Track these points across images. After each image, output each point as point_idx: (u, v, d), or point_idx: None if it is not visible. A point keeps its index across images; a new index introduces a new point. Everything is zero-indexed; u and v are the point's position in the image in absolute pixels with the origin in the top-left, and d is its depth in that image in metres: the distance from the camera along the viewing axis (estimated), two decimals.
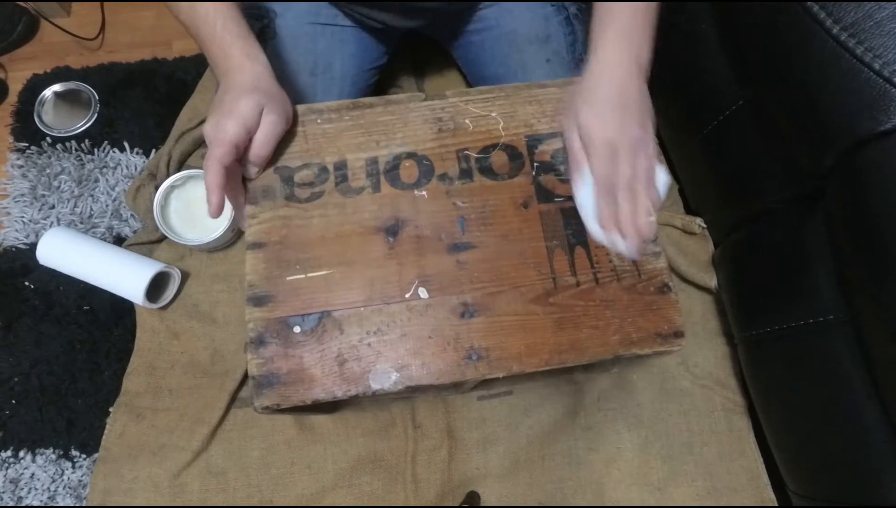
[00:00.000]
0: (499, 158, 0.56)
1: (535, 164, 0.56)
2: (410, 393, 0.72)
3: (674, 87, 0.85)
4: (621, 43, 0.52)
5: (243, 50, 0.53)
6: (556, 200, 0.55)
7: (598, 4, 0.54)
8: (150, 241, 0.90)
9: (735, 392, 0.84)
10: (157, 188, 0.87)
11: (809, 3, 0.53)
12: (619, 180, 0.49)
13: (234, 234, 0.89)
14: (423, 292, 0.50)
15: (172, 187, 0.87)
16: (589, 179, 0.50)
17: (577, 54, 0.73)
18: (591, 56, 0.52)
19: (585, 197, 0.51)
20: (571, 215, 0.53)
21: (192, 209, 0.88)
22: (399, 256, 0.51)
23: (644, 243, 0.52)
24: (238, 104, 0.50)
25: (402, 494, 0.78)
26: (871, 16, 0.49)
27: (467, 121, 0.56)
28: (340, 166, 0.54)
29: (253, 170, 0.55)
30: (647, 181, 0.50)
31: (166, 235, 0.85)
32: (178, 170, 0.91)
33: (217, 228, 0.84)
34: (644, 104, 0.52)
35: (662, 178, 0.51)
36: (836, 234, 0.59)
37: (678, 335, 0.51)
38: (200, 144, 0.97)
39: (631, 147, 0.49)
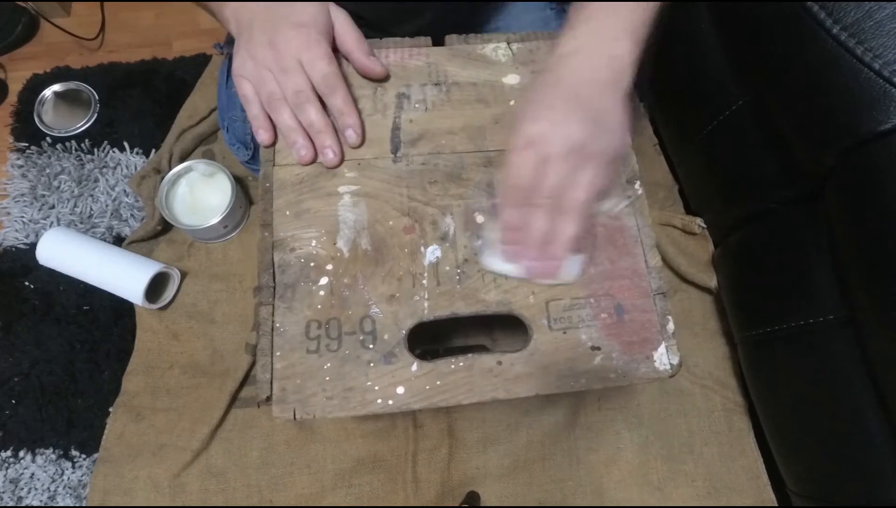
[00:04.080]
0: None
1: None
2: None
3: (674, 87, 0.86)
4: (592, 33, 0.44)
5: None
6: None
7: None
8: (149, 237, 0.90)
9: (735, 392, 0.84)
10: (161, 180, 0.87)
11: (809, 3, 0.53)
12: (542, 191, 0.41)
13: (230, 228, 0.89)
14: None
15: (180, 176, 0.88)
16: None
17: None
18: (553, 49, 0.45)
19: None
20: None
21: (197, 196, 0.88)
22: None
23: (550, 272, 0.44)
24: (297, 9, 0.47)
25: (402, 494, 0.78)
26: (871, 16, 0.49)
27: None
28: None
29: (375, 60, 0.51)
30: (584, 200, 0.41)
31: (166, 218, 0.85)
32: None
33: (214, 217, 0.84)
34: (609, 107, 0.43)
35: (573, 269, 0.45)
36: (836, 234, 0.59)
37: None
38: (201, 141, 0.97)
39: (568, 152, 0.40)
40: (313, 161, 0.50)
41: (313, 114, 0.49)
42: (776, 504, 0.79)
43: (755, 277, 0.76)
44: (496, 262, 0.47)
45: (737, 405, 0.84)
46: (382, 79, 0.53)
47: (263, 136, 0.50)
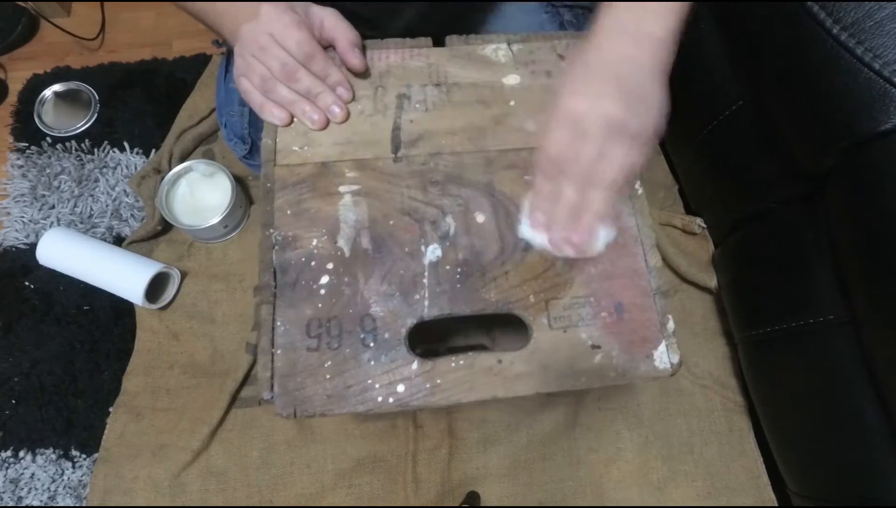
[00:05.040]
0: None
1: None
2: None
3: (673, 87, 0.85)
4: (633, 9, 0.43)
5: None
6: None
7: None
8: (149, 237, 0.90)
9: (735, 392, 0.84)
10: (161, 180, 0.87)
11: (809, 3, 0.53)
12: (575, 164, 0.41)
13: (230, 228, 0.89)
14: None
15: (180, 176, 0.88)
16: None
17: None
18: (594, 25, 0.44)
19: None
20: None
21: (197, 196, 0.88)
22: None
23: (579, 246, 0.44)
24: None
25: (402, 494, 0.78)
26: (871, 16, 0.50)
27: None
28: None
29: (358, 54, 0.52)
30: (615, 177, 0.41)
31: (166, 218, 0.85)
32: None
33: (214, 217, 0.84)
34: (649, 87, 0.42)
35: (601, 240, 0.44)
36: (836, 234, 0.59)
37: None
38: (201, 141, 0.97)
39: (607, 127, 0.40)
40: (327, 122, 0.52)
41: (306, 80, 0.51)
42: (776, 504, 0.79)
43: (755, 277, 0.76)
44: (527, 230, 0.47)
45: (737, 405, 0.84)
46: (360, 73, 0.54)
47: (278, 114, 0.51)
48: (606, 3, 0.44)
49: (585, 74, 0.42)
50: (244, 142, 0.78)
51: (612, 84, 0.41)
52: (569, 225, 0.43)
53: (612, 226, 0.45)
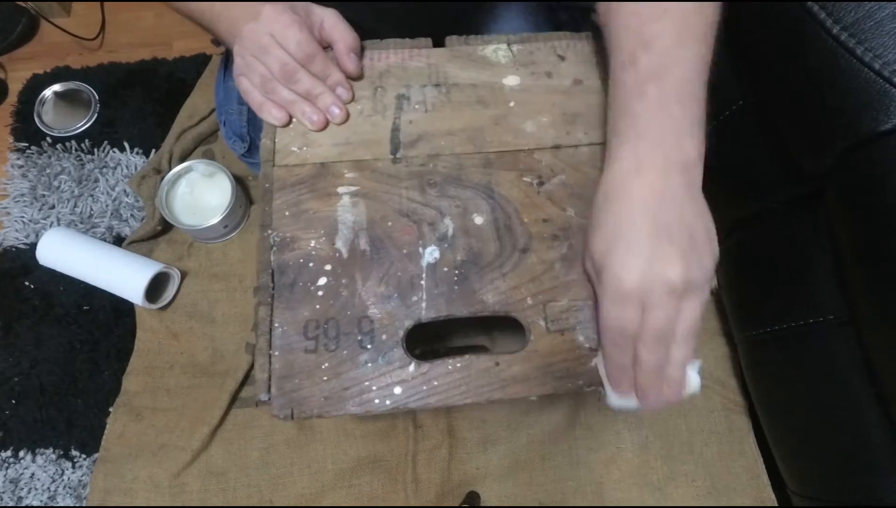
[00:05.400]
0: None
1: None
2: None
3: None
4: (654, 140, 0.38)
5: None
6: None
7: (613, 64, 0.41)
8: (149, 237, 0.90)
9: (735, 392, 0.84)
10: (161, 180, 0.87)
11: (809, 3, 0.52)
12: (648, 331, 0.37)
13: (230, 228, 0.89)
14: None
15: (180, 176, 0.88)
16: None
17: None
18: (606, 158, 0.40)
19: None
20: None
21: (197, 196, 0.88)
22: None
23: (676, 400, 0.40)
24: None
25: (402, 494, 0.78)
26: (872, 16, 0.49)
27: None
28: None
29: (354, 59, 0.52)
30: (692, 327, 0.37)
31: (166, 218, 0.85)
32: None
33: (214, 217, 0.84)
34: (697, 225, 0.37)
35: (694, 380, 0.40)
36: (836, 234, 0.59)
37: None
38: (201, 141, 0.97)
39: (672, 293, 0.36)
40: (326, 122, 0.52)
41: (306, 81, 0.51)
42: (776, 504, 0.79)
43: (755, 277, 0.76)
44: (616, 400, 0.42)
45: (737, 405, 0.84)
46: (355, 78, 0.54)
47: (276, 114, 0.51)
48: (615, 133, 0.40)
49: (627, 233, 0.37)
50: (243, 140, 0.79)
51: (663, 240, 0.36)
52: (658, 385, 0.39)
53: (696, 359, 0.41)
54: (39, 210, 0.94)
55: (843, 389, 0.62)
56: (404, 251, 0.48)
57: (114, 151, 0.98)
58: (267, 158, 0.51)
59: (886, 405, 0.56)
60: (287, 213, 0.49)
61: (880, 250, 0.52)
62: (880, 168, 0.51)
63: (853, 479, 0.62)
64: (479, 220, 0.49)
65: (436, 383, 0.44)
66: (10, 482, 0.80)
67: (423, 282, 0.47)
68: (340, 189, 0.50)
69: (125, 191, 0.95)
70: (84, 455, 0.82)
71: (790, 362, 0.69)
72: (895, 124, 0.49)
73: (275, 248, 0.47)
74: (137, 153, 0.98)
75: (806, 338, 0.66)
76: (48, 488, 0.80)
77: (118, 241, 0.92)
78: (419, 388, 0.44)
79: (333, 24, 0.52)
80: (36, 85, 1.03)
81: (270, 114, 0.51)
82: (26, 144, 0.99)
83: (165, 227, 0.91)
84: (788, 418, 0.72)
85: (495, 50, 0.56)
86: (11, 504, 0.79)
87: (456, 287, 0.47)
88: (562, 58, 0.56)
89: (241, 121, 0.77)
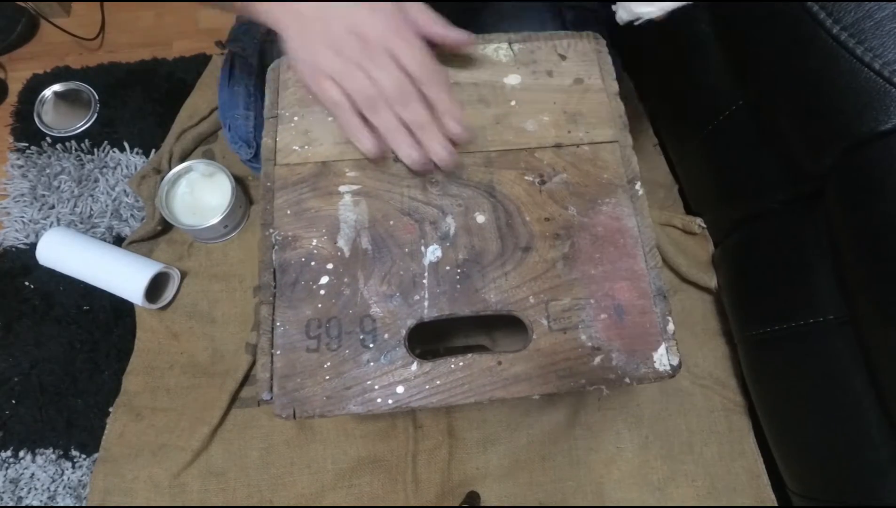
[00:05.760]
0: None
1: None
2: None
3: (674, 87, 0.86)
4: None
5: None
6: None
7: None
8: (149, 237, 0.90)
9: (735, 392, 0.84)
10: (161, 180, 0.87)
11: (809, 3, 0.52)
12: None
13: (230, 228, 0.89)
14: None
15: (180, 176, 0.88)
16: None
17: None
18: None
19: None
20: None
21: (197, 196, 0.88)
22: None
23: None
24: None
25: (402, 494, 0.78)
26: (871, 16, 0.49)
27: None
28: None
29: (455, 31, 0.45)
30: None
31: (166, 218, 0.85)
32: None
33: (214, 217, 0.84)
34: None
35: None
36: (836, 234, 0.59)
37: None
38: (201, 141, 0.97)
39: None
40: (426, 162, 0.47)
41: (420, 111, 0.43)
42: (776, 504, 0.79)
43: (755, 277, 0.76)
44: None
45: (737, 405, 0.84)
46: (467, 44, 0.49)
47: (368, 144, 0.46)
48: None
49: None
50: (249, 145, 0.78)
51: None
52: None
53: None
54: (39, 210, 0.94)
55: (843, 389, 0.62)
56: (406, 250, 0.48)
57: (114, 151, 0.98)
58: (268, 157, 0.51)
59: (886, 405, 0.57)
60: (289, 212, 0.49)
61: (880, 250, 0.53)
62: (880, 168, 0.51)
63: (853, 479, 0.62)
64: (480, 219, 0.49)
65: (438, 382, 0.44)
66: (10, 482, 0.80)
67: (425, 281, 0.47)
68: (342, 188, 0.50)
69: (125, 191, 0.95)
70: (84, 455, 0.81)
71: (790, 362, 0.69)
72: (895, 124, 0.49)
73: (276, 247, 0.47)
74: (137, 153, 0.98)
75: (806, 338, 0.66)
76: (48, 488, 0.80)
77: (118, 241, 0.92)
78: (421, 387, 0.44)
79: (430, 20, 0.44)
80: (36, 85, 1.03)
81: (362, 141, 0.45)
82: (26, 144, 0.98)
83: (165, 227, 0.91)
84: (788, 418, 0.72)
85: (496, 49, 0.56)
86: (11, 504, 0.79)
87: (458, 286, 0.47)
88: (563, 57, 0.56)
89: (247, 126, 0.76)
